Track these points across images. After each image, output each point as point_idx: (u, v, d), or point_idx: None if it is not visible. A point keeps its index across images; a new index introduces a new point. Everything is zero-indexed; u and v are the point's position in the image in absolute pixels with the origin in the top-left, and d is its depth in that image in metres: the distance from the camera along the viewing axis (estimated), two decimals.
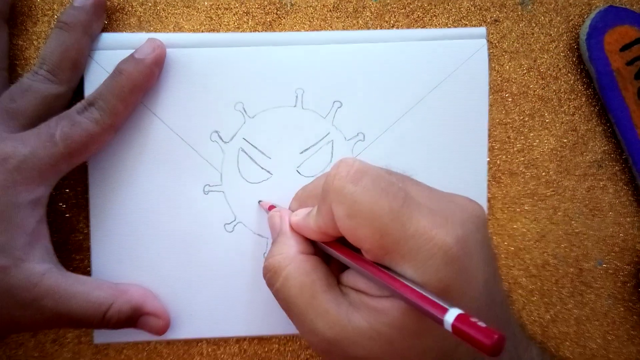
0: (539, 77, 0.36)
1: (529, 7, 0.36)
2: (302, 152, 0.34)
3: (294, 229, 0.28)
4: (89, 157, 0.32)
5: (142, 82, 0.32)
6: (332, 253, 0.27)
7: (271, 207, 0.32)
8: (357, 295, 0.25)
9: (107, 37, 0.33)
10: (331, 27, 0.35)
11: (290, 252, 0.27)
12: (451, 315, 0.19)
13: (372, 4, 0.35)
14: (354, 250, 0.25)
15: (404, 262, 0.23)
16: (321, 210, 0.26)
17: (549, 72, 0.36)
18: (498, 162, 0.36)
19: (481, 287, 0.24)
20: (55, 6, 0.34)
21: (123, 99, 0.31)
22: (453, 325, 0.19)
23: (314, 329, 0.25)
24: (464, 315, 0.19)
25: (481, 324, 0.19)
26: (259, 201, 0.34)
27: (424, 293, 0.21)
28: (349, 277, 0.26)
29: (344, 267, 0.27)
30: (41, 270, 0.29)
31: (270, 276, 0.27)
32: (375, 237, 0.23)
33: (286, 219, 0.29)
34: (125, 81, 0.31)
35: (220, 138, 0.34)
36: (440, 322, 0.20)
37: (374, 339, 0.24)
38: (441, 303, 0.20)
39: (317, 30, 0.35)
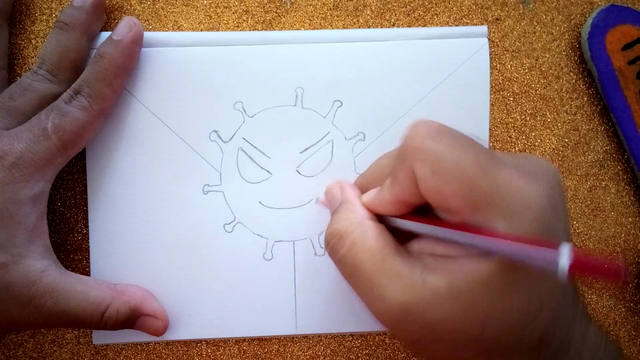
0: (541, 76, 0.36)
1: (531, 5, 0.36)
2: (302, 152, 0.34)
3: (365, 206, 0.27)
4: (83, 146, 0.32)
5: (125, 63, 0.31)
6: (408, 226, 0.26)
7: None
8: (433, 259, 0.24)
9: (106, 37, 0.33)
10: (331, 25, 0.35)
11: (357, 218, 0.26)
12: (566, 250, 0.19)
13: (373, 2, 0.35)
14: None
15: (496, 215, 0.22)
16: (398, 176, 0.25)
17: (550, 71, 0.36)
18: None
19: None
20: (53, 5, 0.34)
21: (109, 83, 0.31)
22: (574, 259, 0.18)
23: (384, 294, 0.24)
24: (580, 250, 0.19)
25: (600, 255, 0.18)
26: (316, 199, 0.34)
27: (531, 239, 0.21)
28: (421, 244, 0.25)
29: (409, 240, 0.26)
30: (40, 267, 0.29)
31: (335, 242, 0.26)
32: (465, 192, 0.22)
33: (347, 189, 0.28)
34: (108, 64, 0.31)
35: (220, 137, 0.34)
36: (554, 263, 0.19)
37: (455, 298, 0.23)
38: (550, 243, 0.20)
39: (317, 28, 0.35)
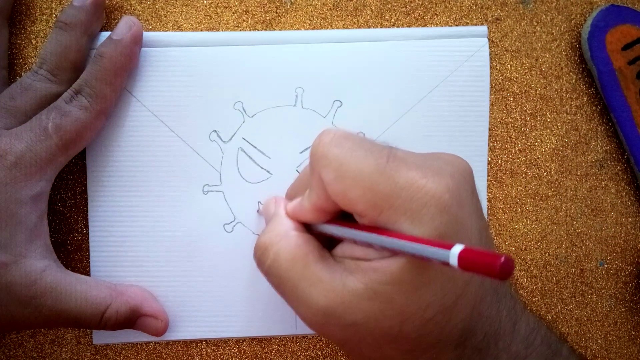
0: (541, 76, 0.36)
1: (531, 5, 0.36)
2: (301, 152, 0.34)
3: (290, 216, 0.28)
4: (84, 146, 0.32)
5: (125, 63, 0.31)
6: (329, 231, 0.26)
7: None
8: (353, 262, 0.24)
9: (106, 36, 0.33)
10: (331, 25, 0.35)
11: (282, 230, 0.27)
12: (456, 249, 0.19)
13: (373, 2, 0.35)
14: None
15: (398, 215, 0.23)
16: (312, 183, 0.25)
17: (550, 71, 0.36)
18: (499, 162, 0.36)
19: (476, 237, 0.24)
20: (53, 5, 0.34)
21: (109, 82, 0.31)
22: (459, 257, 0.19)
23: (308, 299, 0.24)
24: (468, 248, 0.19)
25: (486, 251, 0.19)
26: (259, 204, 0.34)
27: (424, 239, 0.21)
28: (343, 248, 0.26)
29: (336, 245, 0.27)
30: (41, 267, 0.29)
31: (261, 254, 0.26)
32: (367, 195, 0.23)
33: (281, 204, 0.29)
34: (108, 64, 0.31)
35: (220, 137, 0.34)
36: (446, 261, 0.20)
37: (372, 299, 0.23)
38: (444, 243, 0.20)
39: (317, 28, 0.35)
